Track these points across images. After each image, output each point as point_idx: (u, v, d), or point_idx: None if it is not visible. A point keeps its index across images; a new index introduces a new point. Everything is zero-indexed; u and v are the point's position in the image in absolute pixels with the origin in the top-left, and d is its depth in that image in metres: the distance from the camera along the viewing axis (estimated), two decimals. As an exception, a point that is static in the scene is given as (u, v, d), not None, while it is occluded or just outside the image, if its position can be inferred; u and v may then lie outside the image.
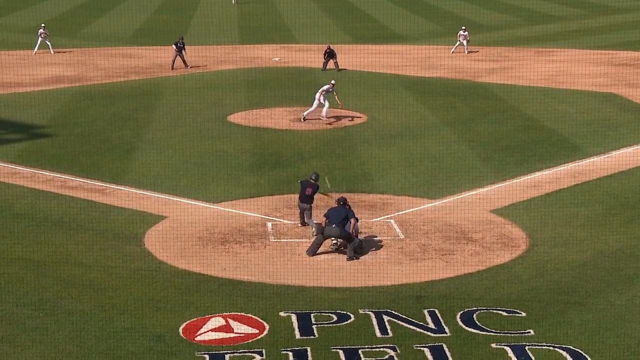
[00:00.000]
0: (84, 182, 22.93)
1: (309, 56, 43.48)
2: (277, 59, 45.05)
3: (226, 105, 33.01)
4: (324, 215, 17.85)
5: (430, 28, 59.54)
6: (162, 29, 59.08)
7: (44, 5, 74.04)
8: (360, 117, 31.06)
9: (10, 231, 19.15)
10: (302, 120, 29.85)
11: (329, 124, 29.66)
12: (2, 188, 22.34)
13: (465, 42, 46.93)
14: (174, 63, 41.29)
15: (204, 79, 39.28)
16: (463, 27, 48.24)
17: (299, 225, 19.42)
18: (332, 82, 30.82)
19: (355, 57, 44.74)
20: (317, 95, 29.94)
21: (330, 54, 41.01)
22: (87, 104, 33.47)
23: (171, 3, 79.69)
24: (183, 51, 41.08)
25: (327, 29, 58.74)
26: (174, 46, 41.51)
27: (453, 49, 46.98)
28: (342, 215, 17.64)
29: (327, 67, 40.85)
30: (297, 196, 19.72)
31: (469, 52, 46.90)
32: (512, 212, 20.59)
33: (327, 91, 30.04)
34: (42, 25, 47.49)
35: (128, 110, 32.36)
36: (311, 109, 29.89)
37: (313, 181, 19.34)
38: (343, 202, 18.07)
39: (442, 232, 19.27)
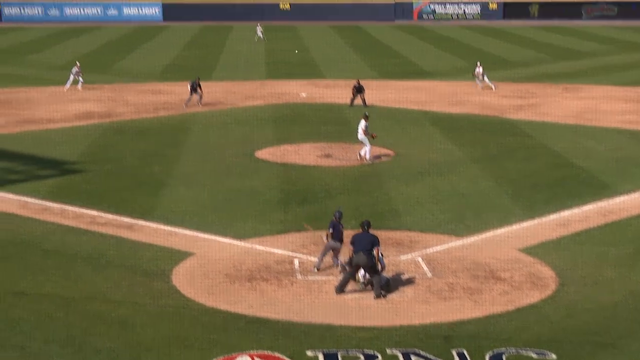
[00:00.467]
0: (113, 218, 23.09)
1: (337, 92, 43.63)
2: (304, 95, 45.31)
3: (254, 141, 33.18)
4: (350, 243, 17.52)
5: (456, 64, 59.67)
6: (190, 65, 59.77)
7: (75, 43, 75.40)
8: (387, 153, 31.09)
9: (40, 268, 19.28)
10: (360, 158, 29.60)
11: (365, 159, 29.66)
12: (33, 225, 22.56)
13: (478, 80, 46.96)
14: (188, 102, 41.22)
15: (232, 114, 39.59)
16: (478, 62, 48.33)
17: (316, 270, 18.78)
18: (366, 113, 30.95)
19: (382, 92, 44.89)
20: (361, 134, 29.77)
21: (358, 89, 41.22)
22: (117, 139, 33.85)
23: (200, 40, 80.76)
24: (199, 90, 41.06)
25: (354, 65, 59.05)
26: (189, 87, 41.48)
27: (480, 85, 47.06)
28: (368, 240, 17.31)
29: (354, 102, 41.02)
30: (324, 233, 19.42)
31: (488, 87, 46.92)
32: (541, 251, 20.39)
33: (367, 127, 29.92)
34: (77, 63, 48.38)
35: (157, 146, 32.65)
36: (368, 147, 29.63)
37: (336, 217, 19.03)
38: (367, 227, 17.71)
39: (470, 270, 19.11)
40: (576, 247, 20.68)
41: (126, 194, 25.74)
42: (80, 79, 46.85)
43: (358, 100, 41.19)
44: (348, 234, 18.97)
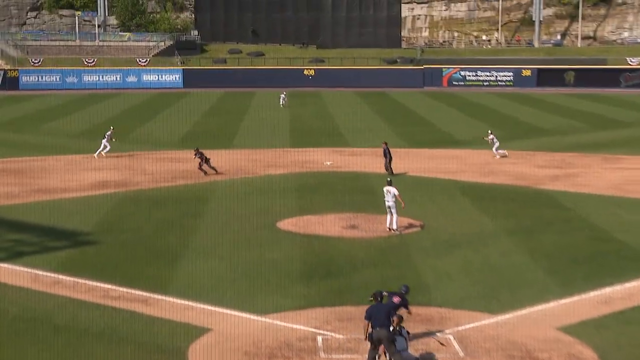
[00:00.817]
0: (127, 291, 23.07)
1: (363, 160, 43.87)
2: (329, 163, 45.53)
3: (275, 211, 33.26)
4: (365, 318, 17.21)
5: (485, 131, 59.85)
6: (211, 132, 60.54)
7: (93, 110, 76.75)
8: (416, 224, 31.02)
9: (49, 345, 19.19)
10: (390, 230, 29.62)
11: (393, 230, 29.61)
12: (44, 298, 22.57)
13: (494, 149, 47.35)
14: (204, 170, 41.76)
15: (253, 183, 39.83)
16: (489, 131, 48.82)
17: None
18: (388, 179, 31.05)
19: (410, 161, 45.01)
20: (391, 201, 29.83)
21: (386, 153, 41.49)
22: (133, 209, 34.08)
23: (221, 106, 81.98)
24: (206, 162, 41.55)
25: (381, 132, 59.46)
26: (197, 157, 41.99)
27: (497, 154, 47.48)
28: (385, 311, 16.98)
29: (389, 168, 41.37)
30: (350, 309, 19.24)
31: (501, 156, 47.38)
32: (581, 331, 20.01)
33: (394, 195, 29.95)
34: (112, 128, 49.70)
35: (174, 216, 32.81)
36: (396, 217, 29.66)
37: (402, 293, 18.59)
38: (380, 298, 17.42)
39: (505, 350, 18.78)
40: (620, 327, 20.27)
41: (141, 266, 25.75)
42: (108, 145, 47.74)
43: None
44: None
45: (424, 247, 27.75)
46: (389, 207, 29.88)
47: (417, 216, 32.22)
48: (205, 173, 41.53)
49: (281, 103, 79.03)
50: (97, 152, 48.09)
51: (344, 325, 20.26)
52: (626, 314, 21.28)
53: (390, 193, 29.96)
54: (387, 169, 41.32)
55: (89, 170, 43.74)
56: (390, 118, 69.54)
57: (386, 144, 42.50)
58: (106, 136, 48.48)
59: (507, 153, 48.32)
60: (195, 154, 42.27)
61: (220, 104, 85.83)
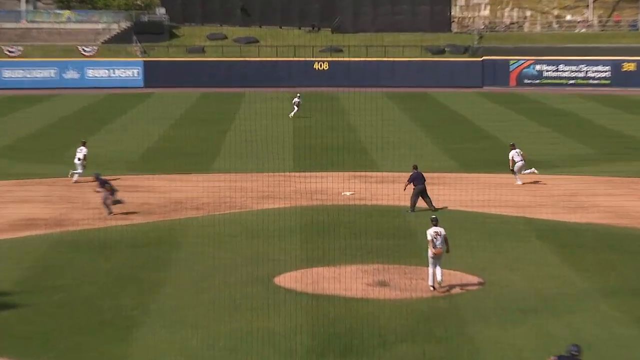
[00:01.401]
0: (60, 373, 23.02)
1: (395, 190, 43.79)
2: (349, 194, 45.50)
3: (273, 260, 33.23)
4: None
5: (576, 150, 59.86)
6: (182, 149, 60.73)
7: (14, 119, 77.01)
8: (472, 281, 30.88)
9: None
10: (434, 288, 29.63)
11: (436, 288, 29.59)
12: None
13: (516, 168, 48.31)
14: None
15: (241, 222, 39.86)
16: (512, 144, 49.64)
17: None
18: (433, 217, 30.86)
19: (464, 191, 45.04)
20: (435, 248, 29.78)
21: (417, 179, 41.31)
22: (71, 258, 34.04)
23: (197, 113, 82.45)
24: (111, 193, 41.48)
25: (422, 150, 59.59)
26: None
27: (518, 178, 48.23)
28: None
29: (417, 203, 41.12)
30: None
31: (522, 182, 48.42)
32: None
33: (444, 238, 29.80)
34: (84, 144, 50.68)
35: (129, 267, 32.77)
36: (439, 270, 29.60)
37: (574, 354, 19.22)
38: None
39: None
40: None
41: (82, 338, 25.62)
42: (79, 169, 48.69)
43: (422, 202, 41.29)
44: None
45: (483, 314, 27.60)
46: (434, 257, 29.69)
47: (474, 269, 32.09)
48: (111, 212, 41.24)
49: (293, 112, 78.66)
50: (74, 175, 49.15)
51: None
52: None
53: (440, 236, 29.79)
54: (412, 210, 41.33)
55: (10, 203, 43.82)
56: (435, 130, 69.55)
57: (416, 167, 42.62)
58: (79, 155, 49.23)
59: (535, 171, 48.65)
60: (99, 183, 41.76)
61: (195, 109, 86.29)
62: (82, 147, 49.76)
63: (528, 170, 48.73)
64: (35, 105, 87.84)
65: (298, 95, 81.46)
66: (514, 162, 48.44)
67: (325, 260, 33.36)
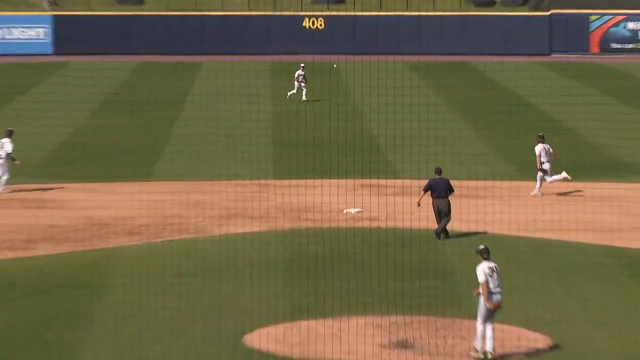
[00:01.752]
0: None
1: (423, 203, 43.75)
2: (353, 212, 45.59)
3: (243, 311, 33.32)
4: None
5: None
6: (110, 146, 60.82)
7: None
8: (536, 342, 30.94)
9: None
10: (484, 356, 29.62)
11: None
12: None
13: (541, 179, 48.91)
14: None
15: (196, 253, 40.09)
16: (540, 135, 50.21)
17: None
18: (482, 247, 30.87)
19: (522, 206, 45.40)
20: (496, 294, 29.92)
21: (436, 188, 41.39)
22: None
23: (131, 92, 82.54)
24: None
25: (461, 147, 59.66)
26: None
27: (538, 190, 49.14)
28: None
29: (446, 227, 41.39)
30: None
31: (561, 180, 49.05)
32: None
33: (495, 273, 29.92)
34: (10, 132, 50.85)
35: (29, 323, 32.76)
36: (490, 332, 29.66)
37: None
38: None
39: None
40: None
41: None
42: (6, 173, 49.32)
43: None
44: None
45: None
46: (489, 311, 29.55)
47: (539, 324, 32.21)
48: None
49: (294, 90, 77.79)
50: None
51: None
52: None
53: (495, 273, 29.50)
54: (440, 235, 41.73)
55: None
56: (481, 118, 69.65)
57: (439, 170, 42.85)
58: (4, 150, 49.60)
59: (567, 177, 49.08)
60: None
61: (129, 87, 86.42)
62: (4, 140, 49.75)
63: (557, 177, 48.64)
64: None
65: (302, 66, 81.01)
66: (542, 162, 48.91)
67: (319, 310, 33.38)
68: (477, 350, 29.87)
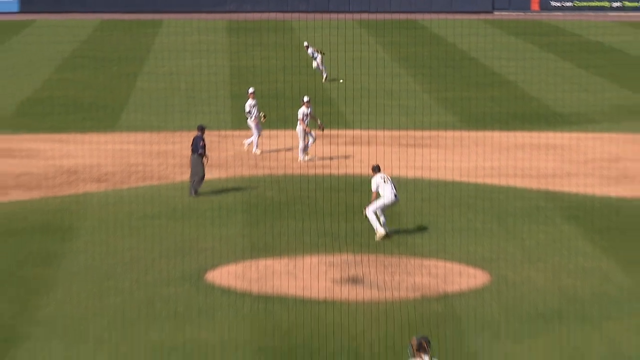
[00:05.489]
0: None
1: (371, 153, 43.94)
2: (307, 158, 45.87)
3: (205, 250, 33.74)
4: None
5: (620, 100, 60.46)
6: (75, 100, 60.85)
7: None
8: (475, 276, 31.62)
9: None
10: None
11: None
12: None
13: None
14: (196, 184, 41.06)
15: (159, 198, 40.50)
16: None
17: None
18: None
19: (466, 155, 45.80)
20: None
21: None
22: None
23: (94, 49, 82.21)
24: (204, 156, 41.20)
25: (409, 100, 59.89)
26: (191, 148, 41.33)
27: None
28: None
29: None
30: None
31: None
32: None
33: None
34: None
35: (6, 261, 33.15)
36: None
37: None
38: None
39: None
40: None
41: None
42: None
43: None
44: None
45: (490, 321, 28.23)
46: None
47: (479, 261, 32.83)
48: None
49: (318, 65, 74.12)
50: None
51: None
52: None
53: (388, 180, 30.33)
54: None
55: None
56: (427, 72, 69.80)
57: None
58: None
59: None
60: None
61: (92, 44, 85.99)
62: None
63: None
64: None
65: (305, 44, 78.24)
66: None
67: (276, 249, 33.91)
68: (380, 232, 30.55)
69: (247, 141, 47.98)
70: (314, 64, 70.81)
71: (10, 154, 47.90)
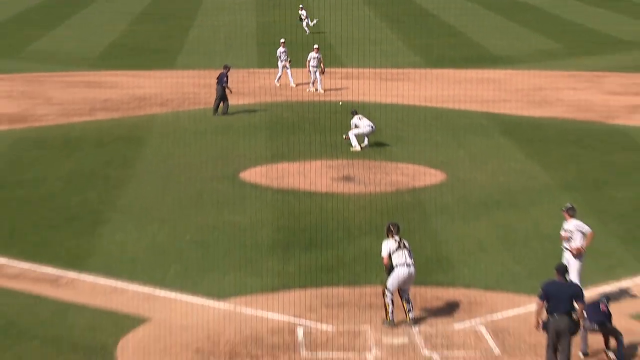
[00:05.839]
0: (29, 268, 23.44)
1: (362, 85, 43.92)
2: (313, 90, 45.81)
3: (239, 156, 33.74)
4: (540, 296, 17.69)
5: (542, 45, 60.21)
6: (144, 45, 60.62)
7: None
8: (435, 175, 31.49)
9: None
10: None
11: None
12: None
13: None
14: (218, 107, 40.82)
15: (206, 118, 40.24)
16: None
17: None
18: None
19: (429, 87, 45.40)
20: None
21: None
22: (35, 155, 34.35)
23: (157, 8, 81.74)
24: (226, 87, 40.64)
25: (388, 46, 59.64)
26: (217, 81, 40.95)
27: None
28: (568, 293, 17.61)
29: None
30: (342, 291, 19.73)
31: None
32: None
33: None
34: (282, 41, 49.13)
35: (94, 163, 33.17)
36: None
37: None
38: (563, 272, 17.95)
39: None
40: None
41: (48, 233, 26.08)
42: None
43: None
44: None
45: (446, 208, 28.25)
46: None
47: (437, 164, 32.69)
48: None
49: (305, 25, 71.06)
50: None
51: (334, 312, 20.78)
52: None
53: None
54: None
55: (-29, 100, 43.89)
56: (401, 26, 69.43)
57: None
58: None
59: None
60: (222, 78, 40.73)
61: (156, 4, 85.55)
62: None
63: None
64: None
65: (300, 6, 76.98)
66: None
67: (290, 156, 33.84)
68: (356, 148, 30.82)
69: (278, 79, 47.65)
70: (304, 23, 69.33)
71: (97, 85, 47.78)
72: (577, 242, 20.75)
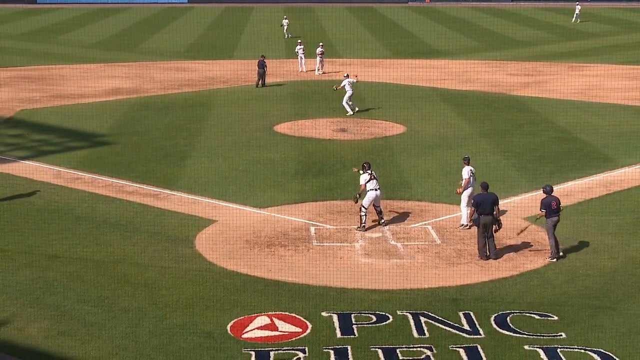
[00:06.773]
0: (139, 187, 23.29)
1: (352, 70, 43.36)
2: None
3: (273, 116, 33.26)
4: (473, 204, 18.07)
5: (467, 44, 59.20)
6: (213, 44, 59.76)
7: (104, 23, 75.41)
8: (399, 128, 31.03)
9: (72, 233, 19.54)
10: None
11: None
12: (65, 192, 22.80)
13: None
14: (259, 82, 40.00)
15: (252, 91, 39.61)
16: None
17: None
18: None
19: (395, 71, 44.67)
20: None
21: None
22: (144, 114, 33.98)
23: (222, 20, 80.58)
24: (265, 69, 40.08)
25: (369, 44, 58.77)
26: (258, 65, 40.21)
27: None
28: (490, 200, 17.93)
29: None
30: (339, 203, 19.54)
31: None
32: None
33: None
34: (299, 41, 48.48)
35: (181, 120, 32.77)
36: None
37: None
38: (486, 187, 18.25)
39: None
40: (578, 217, 20.63)
41: (152, 165, 25.88)
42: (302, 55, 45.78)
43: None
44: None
45: (406, 149, 27.89)
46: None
47: (400, 120, 32.26)
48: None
49: (285, 31, 65.10)
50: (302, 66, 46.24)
51: (334, 217, 20.60)
52: (583, 205, 21.71)
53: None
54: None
55: (103, 78, 43.39)
56: (377, 31, 68.45)
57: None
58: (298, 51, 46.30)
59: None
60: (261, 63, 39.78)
61: (221, 18, 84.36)
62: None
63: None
64: (117, 14, 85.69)
65: (286, 18, 67.57)
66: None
67: (306, 115, 33.40)
68: (349, 113, 29.95)
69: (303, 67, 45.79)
70: (286, 35, 62.33)
71: (183, 70, 47.05)
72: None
